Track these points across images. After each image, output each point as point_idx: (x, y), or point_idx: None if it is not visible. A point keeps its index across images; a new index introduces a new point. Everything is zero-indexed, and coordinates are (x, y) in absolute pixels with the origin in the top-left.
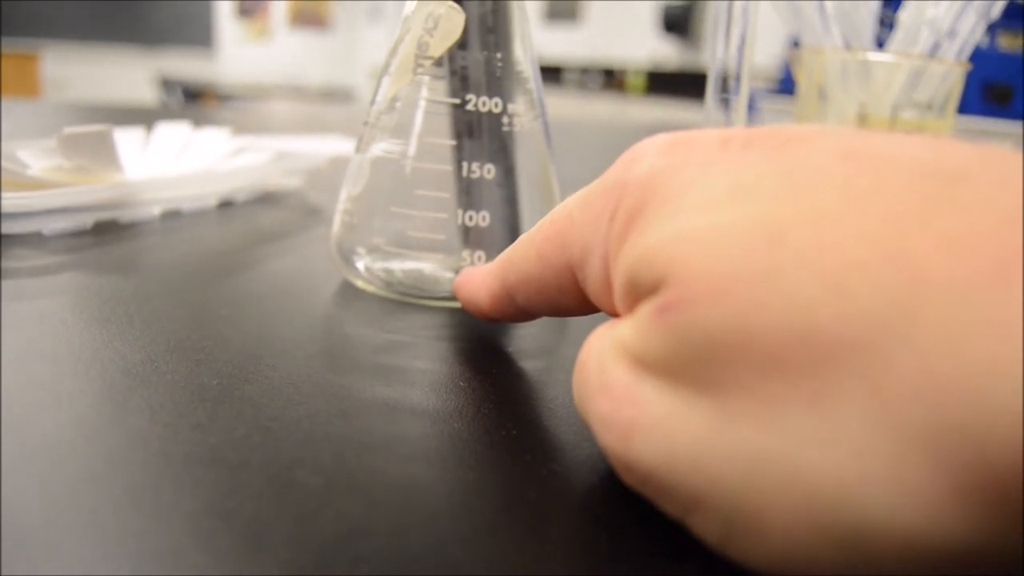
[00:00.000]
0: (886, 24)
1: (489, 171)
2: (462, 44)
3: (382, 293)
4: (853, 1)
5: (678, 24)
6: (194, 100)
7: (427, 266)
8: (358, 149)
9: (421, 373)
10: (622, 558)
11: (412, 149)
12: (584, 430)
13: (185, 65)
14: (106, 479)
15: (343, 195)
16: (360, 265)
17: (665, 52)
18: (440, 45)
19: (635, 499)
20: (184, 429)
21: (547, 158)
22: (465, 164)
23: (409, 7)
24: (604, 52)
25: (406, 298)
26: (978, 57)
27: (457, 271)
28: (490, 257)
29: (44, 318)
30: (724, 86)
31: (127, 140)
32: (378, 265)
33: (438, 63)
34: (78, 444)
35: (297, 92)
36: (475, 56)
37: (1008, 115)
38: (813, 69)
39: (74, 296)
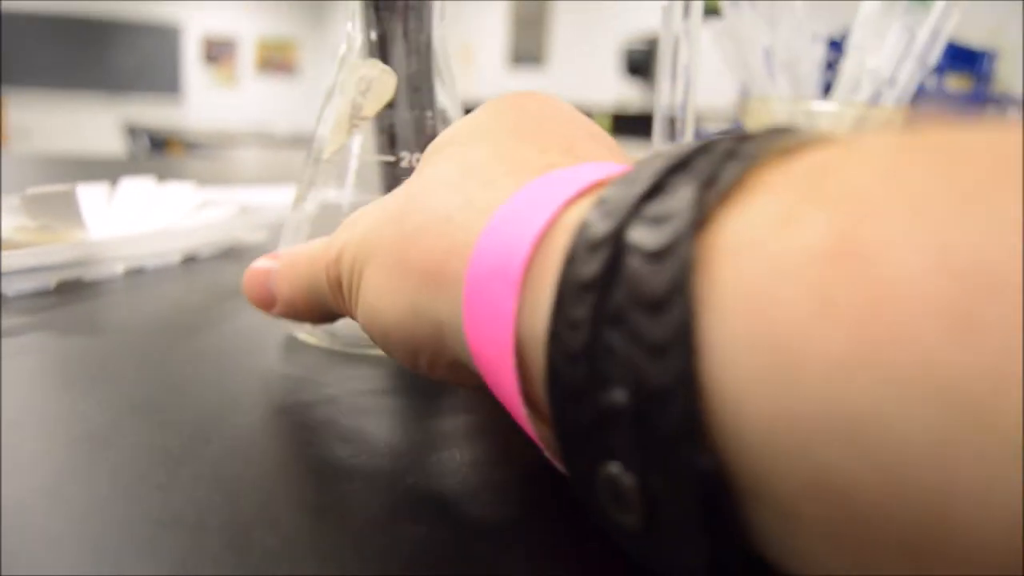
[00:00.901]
0: (834, 67)
1: None
2: (392, 103)
3: (325, 345)
4: (797, 51)
5: (641, 67)
6: (161, 147)
7: None
8: (295, 207)
9: (373, 429)
10: None
11: (348, 206)
12: (536, 474)
13: (152, 112)
14: (69, 543)
15: (282, 250)
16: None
17: (629, 94)
18: (373, 106)
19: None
20: (146, 491)
21: None
22: None
23: (340, 63)
24: (569, 95)
25: (349, 349)
26: (927, 99)
27: None
28: None
29: (6, 381)
30: (671, 128)
31: (91, 196)
32: None
33: (371, 121)
34: (41, 508)
35: (265, 139)
36: (405, 115)
37: None
38: (761, 119)
39: (37, 358)
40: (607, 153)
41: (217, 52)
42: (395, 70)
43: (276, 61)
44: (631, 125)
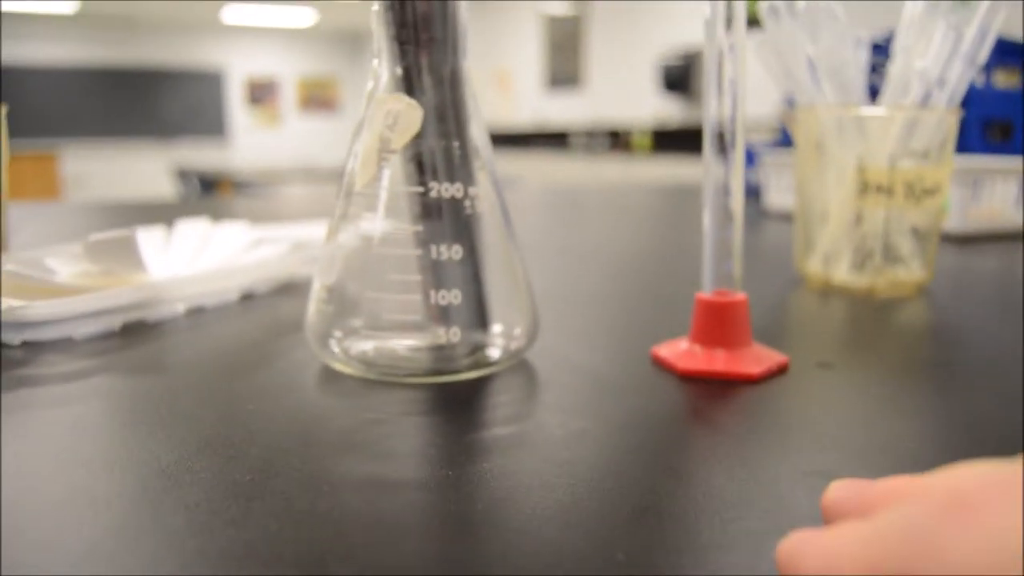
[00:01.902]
0: (878, 70)
1: (456, 251)
2: (420, 134)
3: (359, 374)
4: (841, 57)
5: (678, 82)
6: (210, 188)
7: (402, 345)
8: (328, 241)
9: (422, 447)
10: None
11: (380, 235)
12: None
13: (200, 155)
14: None
15: (316, 285)
16: (336, 349)
17: (668, 110)
18: (401, 139)
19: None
20: (219, 526)
21: (505, 233)
22: (433, 247)
23: (368, 99)
24: (608, 114)
25: (386, 377)
26: (976, 96)
27: (432, 347)
28: (463, 333)
29: (78, 423)
30: (720, 141)
31: (149, 239)
32: (355, 348)
33: (400, 153)
34: (119, 548)
35: (309, 175)
36: (434, 145)
37: (1009, 151)
38: (809, 127)
39: (106, 399)
40: None
41: (260, 94)
42: (421, 103)
43: (317, 99)
44: (672, 140)
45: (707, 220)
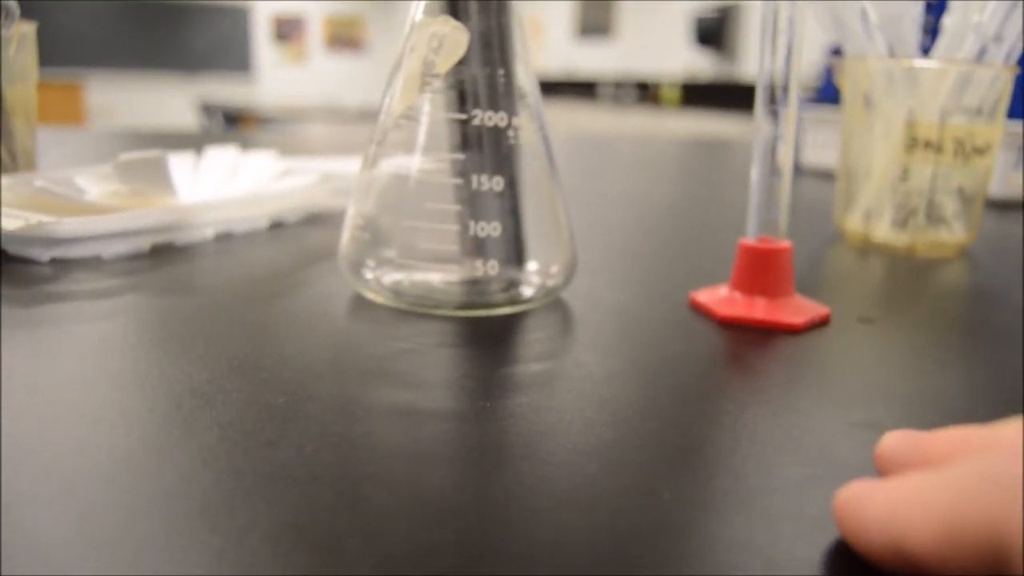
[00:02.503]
0: (928, 30)
1: (497, 183)
2: (465, 60)
3: (392, 304)
4: (896, 9)
5: (712, 36)
6: (234, 124)
7: (436, 277)
8: (365, 166)
9: (454, 377)
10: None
11: (420, 164)
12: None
13: (224, 90)
14: (181, 498)
15: (351, 210)
16: (369, 277)
17: (699, 64)
18: (445, 63)
19: (650, 502)
20: (254, 447)
21: (548, 169)
22: (474, 177)
23: (411, 27)
24: (638, 66)
25: (418, 309)
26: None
27: (467, 280)
28: (502, 266)
29: (108, 340)
30: (772, 97)
31: (178, 164)
32: (388, 278)
33: (442, 80)
34: (151, 464)
35: (335, 114)
36: (478, 72)
37: None
38: (858, 78)
39: (135, 318)
40: None
41: (287, 30)
42: (467, 27)
43: (344, 37)
44: (702, 95)
45: (755, 173)
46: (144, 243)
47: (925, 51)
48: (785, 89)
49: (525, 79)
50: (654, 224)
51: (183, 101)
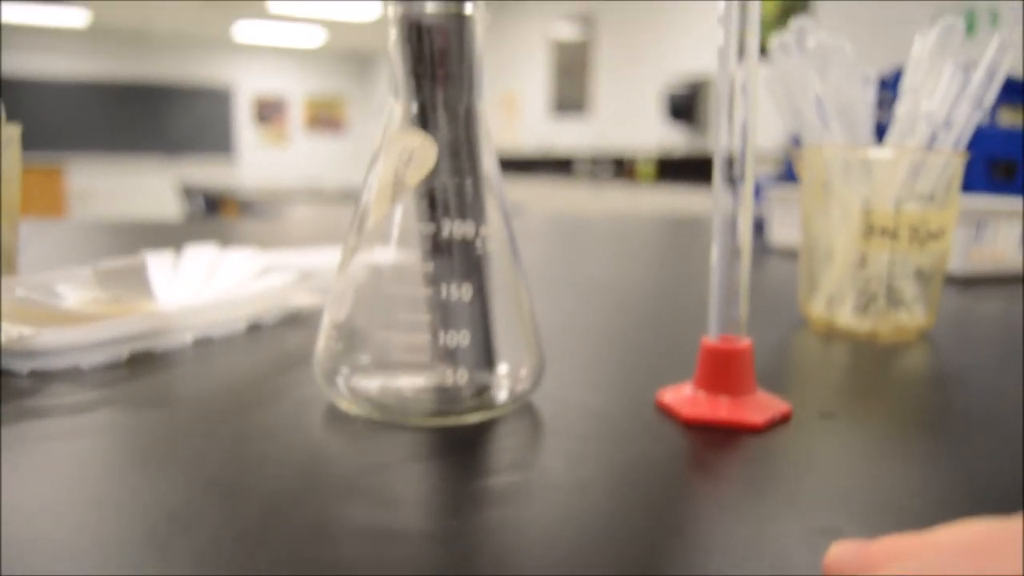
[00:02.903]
0: (886, 107)
1: (466, 291)
2: (434, 170)
3: (364, 413)
4: (850, 97)
5: (684, 110)
6: (215, 206)
7: (408, 386)
8: (339, 275)
9: (427, 493)
10: None
11: (391, 273)
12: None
13: (206, 172)
14: None
15: (325, 320)
16: (342, 387)
17: (673, 139)
18: (415, 176)
19: None
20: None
21: (515, 275)
22: (443, 286)
23: (382, 139)
24: (613, 141)
25: (391, 418)
26: (980, 135)
27: (438, 388)
28: (472, 373)
29: (84, 460)
30: (730, 170)
31: (157, 265)
32: (361, 387)
33: (413, 189)
34: None
35: (315, 195)
36: (447, 182)
37: (1013, 190)
38: (815, 166)
39: (112, 435)
40: None
41: (268, 112)
42: (436, 139)
43: (325, 118)
44: (676, 169)
45: (715, 255)
46: (123, 351)
47: (882, 128)
48: (743, 163)
49: (493, 185)
50: (624, 312)
51: (164, 183)
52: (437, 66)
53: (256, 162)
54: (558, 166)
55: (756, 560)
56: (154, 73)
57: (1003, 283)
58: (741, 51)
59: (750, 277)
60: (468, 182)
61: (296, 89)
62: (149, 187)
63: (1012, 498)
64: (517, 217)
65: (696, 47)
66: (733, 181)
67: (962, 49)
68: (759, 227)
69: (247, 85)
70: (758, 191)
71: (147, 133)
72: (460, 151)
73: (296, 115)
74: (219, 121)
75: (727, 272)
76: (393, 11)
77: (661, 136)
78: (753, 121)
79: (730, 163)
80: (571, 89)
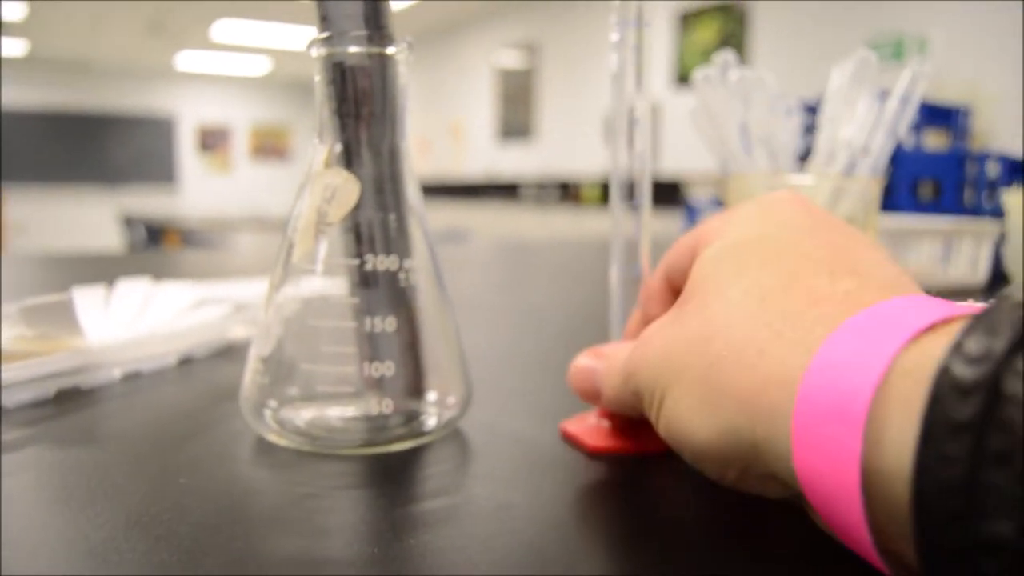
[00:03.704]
0: (813, 132)
1: (390, 324)
2: (359, 205)
3: (293, 445)
4: (773, 126)
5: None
6: (157, 236)
7: (337, 417)
8: (266, 310)
9: (354, 522)
10: None
11: (316, 307)
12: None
13: (148, 201)
14: None
15: (252, 354)
16: (270, 420)
17: None
18: (338, 213)
19: None
20: None
21: (440, 305)
22: (367, 319)
23: (307, 176)
24: (558, 166)
25: (320, 449)
26: (906, 157)
27: (367, 417)
28: (397, 404)
29: (9, 499)
30: (630, 192)
31: (88, 300)
32: (289, 420)
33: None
34: None
35: (260, 223)
36: (372, 217)
37: (937, 210)
38: (741, 194)
39: (37, 473)
40: (889, 267)
41: (212, 140)
42: (360, 176)
43: (269, 146)
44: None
45: (614, 278)
46: (50, 389)
47: (807, 153)
48: (641, 185)
49: (417, 220)
50: (558, 340)
51: (105, 213)
52: (361, 106)
53: (200, 191)
54: (504, 191)
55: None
56: (95, 102)
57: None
58: (638, 78)
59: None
60: (392, 217)
61: (241, 117)
62: (89, 218)
63: None
64: (463, 242)
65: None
66: (633, 205)
67: (879, 78)
68: None
69: (190, 113)
70: (694, 214)
71: (88, 163)
72: (384, 187)
73: (241, 143)
74: (162, 150)
75: (627, 298)
76: (317, 52)
77: (605, 160)
78: (648, 147)
79: (630, 187)
80: (516, 115)
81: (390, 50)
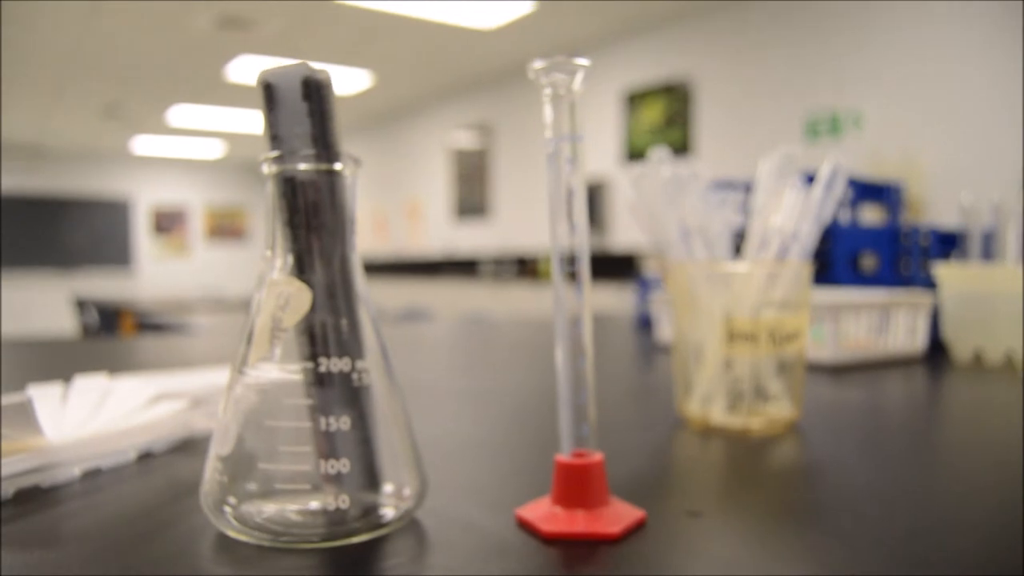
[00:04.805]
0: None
1: (344, 422)
2: (312, 309)
3: (254, 541)
4: (707, 217)
5: None
6: (113, 320)
7: (296, 512)
8: (222, 411)
9: None
10: None
11: (272, 408)
12: None
13: (104, 284)
14: None
15: (211, 454)
16: (231, 516)
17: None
18: (291, 319)
19: None
20: None
21: (393, 401)
22: (322, 419)
23: (260, 283)
24: (515, 242)
25: (280, 544)
26: (843, 232)
27: (326, 511)
28: (354, 498)
29: None
30: (571, 264)
31: (45, 398)
32: (249, 516)
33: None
34: None
35: (219, 304)
36: (325, 320)
37: (876, 282)
38: (681, 279)
39: None
40: None
41: (167, 222)
42: (311, 283)
43: (225, 227)
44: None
45: (560, 360)
46: (8, 489)
47: (740, 243)
48: (580, 259)
49: (368, 321)
50: (513, 424)
51: (60, 297)
52: (311, 218)
53: (156, 273)
54: (463, 267)
55: None
56: (49, 186)
57: (869, 369)
58: (573, 159)
59: (632, 376)
60: (344, 321)
61: (196, 199)
62: (43, 301)
63: None
64: (423, 321)
65: (590, 151)
66: (573, 275)
67: (817, 155)
68: (648, 324)
69: (146, 196)
70: (647, 287)
71: (42, 246)
72: (336, 293)
73: (197, 225)
74: (117, 233)
75: (573, 385)
76: (268, 169)
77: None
78: (585, 224)
79: (571, 260)
80: (472, 194)
81: (337, 166)
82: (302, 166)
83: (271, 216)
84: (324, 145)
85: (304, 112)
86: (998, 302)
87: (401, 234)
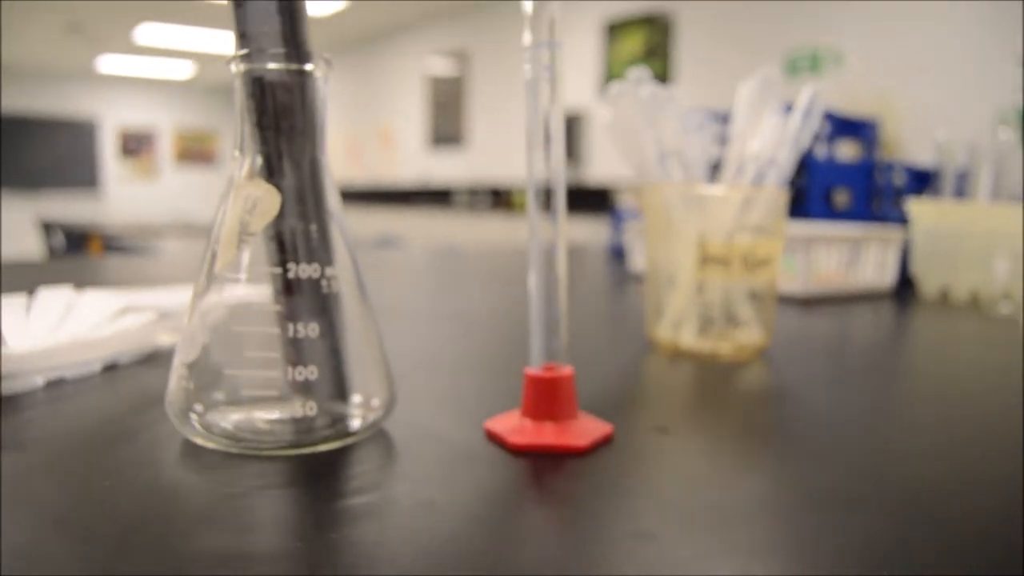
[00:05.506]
0: (727, 143)
1: (313, 329)
2: (281, 215)
3: (220, 447)
4: (684, 139)
5: None
6: (79, 243)
7: (263, 419)
8: (189, 317)
9: (278, 520)
10: None
11: (239, 314)
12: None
13: (69, 207)
14: None
15: (176, 361)
16: (197, 423)
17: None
18: (259, 223)
19: None
20: None
21: (362, 310)
22: (290, 325)
23: (228, 186)
24: (490, 173)
25: (247, 451)
26: (819, 167)
27: (293, 419)
28: (321, 406)
29: None
30: (547, 199)
31: (9, 308)
32: (215, 423)
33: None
34: None
35: (187, 229)
36: (294, 226)
37: (848, 217)
38: (656, 202)
39: None
40: None
41: (135, 145)
42: (281, 187)
43: (195, 151)
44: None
45: (532, 285)
46: None
47: (719, 164)
48: (557, 191)
49: (338, 229)
50: (483, 344)
51: (24, 219)
52: (280, 120)
53: (124, 196)
54: (437, 197)
55: (581, 565)
56: (11, 105)
57: (839, 302)
58: (552, 91)
59: (603, 303)
60: (313, 227)
61: (165, 122)
62: (7, 223)
63: (830, 501)
64: (395, 249)
65: (568, 82)
66: (550, 209)
67: (795, 90)
68: (621, 254)
69: (112, 117)
70: (621, 220)
71: (4, 166)
72: (305, 198)
73: (165, 148)
74: (83, 154)
75: (545, 301)
76: (236, 68)
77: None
78: (562, 154)
79: (547, 193)
80: (447, 122)
81: (308, 66)
82: (271, 65)
83: (240, 118)
84: (294, 44)
85: (274, 9)
86: (967, 240)
87: (374, 162)
